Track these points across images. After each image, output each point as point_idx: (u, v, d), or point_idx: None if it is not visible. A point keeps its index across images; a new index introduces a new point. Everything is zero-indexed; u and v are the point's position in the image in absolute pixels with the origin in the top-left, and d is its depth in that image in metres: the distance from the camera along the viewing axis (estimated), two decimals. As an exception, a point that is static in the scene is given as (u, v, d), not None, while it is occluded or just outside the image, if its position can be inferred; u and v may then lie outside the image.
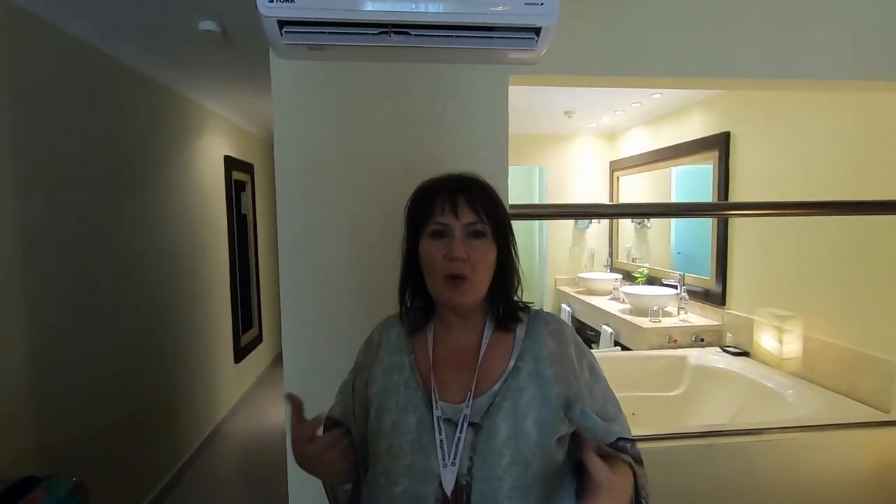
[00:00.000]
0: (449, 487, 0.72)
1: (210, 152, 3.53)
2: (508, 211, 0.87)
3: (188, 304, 3.12)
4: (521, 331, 0.82)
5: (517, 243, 0.85)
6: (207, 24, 1.91)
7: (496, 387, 0.77)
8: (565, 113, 3.49)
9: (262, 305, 4.66)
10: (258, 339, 4.54)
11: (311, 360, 1.32)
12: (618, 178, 4.09)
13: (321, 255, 1.31)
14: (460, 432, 0.74)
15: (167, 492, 2.72)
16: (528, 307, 0.86)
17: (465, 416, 0.75)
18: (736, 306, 2.63)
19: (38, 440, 1.80)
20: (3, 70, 1.66)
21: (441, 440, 0.74)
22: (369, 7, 1.01)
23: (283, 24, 1.03)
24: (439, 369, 0.80)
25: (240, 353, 4.01)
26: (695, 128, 3.00)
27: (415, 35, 1.06)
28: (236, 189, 4.05)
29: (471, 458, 0.73)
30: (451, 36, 1.06)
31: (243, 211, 4.30)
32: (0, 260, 1.66)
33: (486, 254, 0.78)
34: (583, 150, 4.22)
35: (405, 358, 0.83)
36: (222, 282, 3.74)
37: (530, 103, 3.20)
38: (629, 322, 2.92)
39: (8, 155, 1.69)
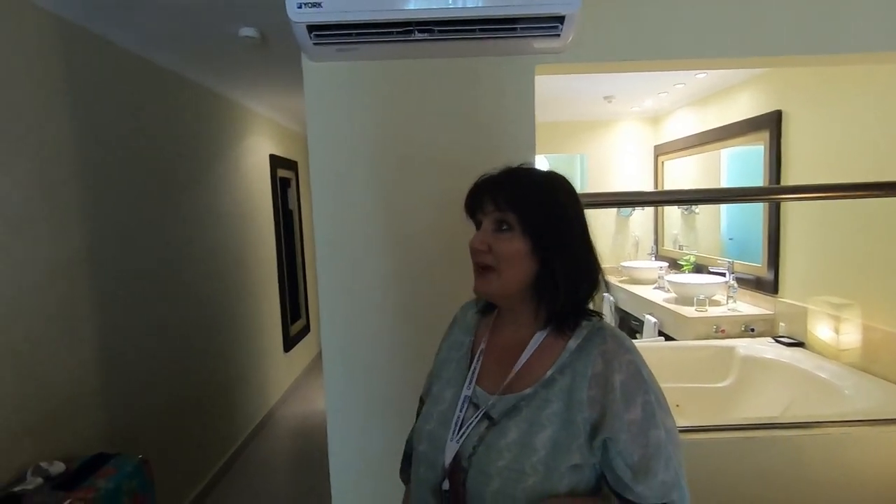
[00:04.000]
0: (446, 460, 0.76)
1: (256, 151, 3.68)
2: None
3: (239, 297, 3.28)
4: (574, 342, 0.77)
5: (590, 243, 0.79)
6: (247, 31, 1.99)
7: (526, 391, 0.76)
8: (605, 98, 3.39)
9: (309, 296, 4.83)
10: (306, 329, 4.71)
11: (349, 351, 1.38)
12: (662, 162, 3.95)
13: (355, 248, 1.35)
14: (474, 418, 0.78)
15: (223, 472, 2.91)
16: (593, 317, 0.79)
17: (489, 405, 0.78)
18: (789, 294, 2.50)
19: (107, 422, 1.97)
20: (61, 82, 1.80)
21: (459, 417, 0.79)
22: (393, 7, 1.03)
23: (312, 28, 1.07)
24: (486, 356, 0.84)
25: (289, 343, 4.19)
26: (744, 107, 2.84)
27: (438, 31, 1.07)
28: (282, 186, 4.20)
29: (474, 448, 0.75)
30: (475, 29, 1.07)
31: (289, 206, 4.46)
32: (71, 260, 1.82)
33: (509, 246, 0.76)
34: (625, 135, 4.10)
35: (467, 338, 0.90)
36: (271, 275, 3.91)
37: (568, 90, 3.13)
38: (673, 311, 2.83)
39: (74, 162, 1.84)
